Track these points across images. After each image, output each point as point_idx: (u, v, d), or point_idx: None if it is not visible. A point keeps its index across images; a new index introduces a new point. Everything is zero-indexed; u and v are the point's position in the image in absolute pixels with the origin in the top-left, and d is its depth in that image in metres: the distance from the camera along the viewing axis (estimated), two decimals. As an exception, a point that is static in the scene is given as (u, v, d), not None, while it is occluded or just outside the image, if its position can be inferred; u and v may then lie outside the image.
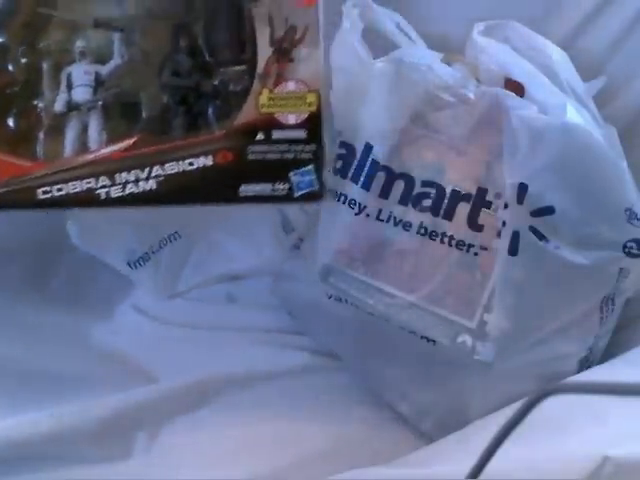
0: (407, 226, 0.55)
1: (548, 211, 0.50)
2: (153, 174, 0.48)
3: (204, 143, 0.48)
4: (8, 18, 0.49)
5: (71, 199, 0.48)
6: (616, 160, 0.52)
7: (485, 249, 0.53)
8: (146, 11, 0.50)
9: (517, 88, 0.53)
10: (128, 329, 0.66)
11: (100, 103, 0.50)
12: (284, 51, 0.48)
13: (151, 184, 0.48)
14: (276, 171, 0.48)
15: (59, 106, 0.50)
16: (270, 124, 0.48)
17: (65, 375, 0.59)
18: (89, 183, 0.48)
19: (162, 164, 0.48)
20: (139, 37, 0.50)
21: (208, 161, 0.48)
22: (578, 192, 0.51)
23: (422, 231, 0.54)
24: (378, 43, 0.57)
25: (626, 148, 0.54)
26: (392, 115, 0.55)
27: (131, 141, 0.48)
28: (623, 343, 0.58)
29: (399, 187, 0.55)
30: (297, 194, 0.49)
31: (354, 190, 0.55)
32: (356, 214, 0.55)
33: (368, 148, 0.55)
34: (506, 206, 0.52)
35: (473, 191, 0.53)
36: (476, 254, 0.53)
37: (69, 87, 0.50)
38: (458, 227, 0.53)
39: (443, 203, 0.54)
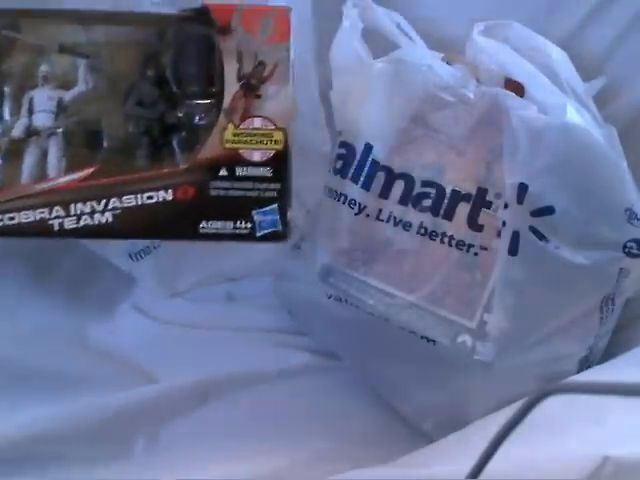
0: (407, 226, 0.55)
1: (548, 211, 0.50)
2: (110, 206, 0.47)
3: (165, 177, 0.47)
4: None
5: (23, 229, 0.47)
6: (616, 160, 0.52)
7: (485, 249, 0.53)
8: (114, 38, 0.49)
9: (517, 88, 0.53)
10: (128, 329, 0.66)
11: (61, 130, 0.49)
12: (252, 87, 0.47)
13: (107, 217, 0.47)
14: (238, 209, 0.47)
15: (18, 131, 0.48)
16: (234, 160, 0.47)
17: (65, 375, 0.59)
18: (42, 213, 0.47)
19: (120, 196, 0.47)
20: (105, 64, 0.49)
21: (168, 196, 0.47)
22: (578, 192, 0.51)
23: (422, 231, 0.54)
24: (378, 43, 0.57)
25: (626, 148, 0.54)
26: (392, 115, 0.55)
27: (89, 171, 0.47)
28: (623, 343, 0.58)
29: (399, 187, 0.55)
30: (259, 233, 0.48)
31: (354, 190, 0.55)
32: (356, 214, 0.55)
33: (368, 148, 0.55)
34: (506, 206, 0.52)
35: (473, 191, 0.53)
36: (476, 254, 0.53)
37: (30, 112, 0.49)
38: (458, 227, 0.53)
39: (443, 203, 0.54)
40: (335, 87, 0.56)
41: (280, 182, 0.47)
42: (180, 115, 0.49)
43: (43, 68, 0.49)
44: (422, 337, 0.54)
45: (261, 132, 0.47)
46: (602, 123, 0.55)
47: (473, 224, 0.53)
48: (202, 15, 0.48)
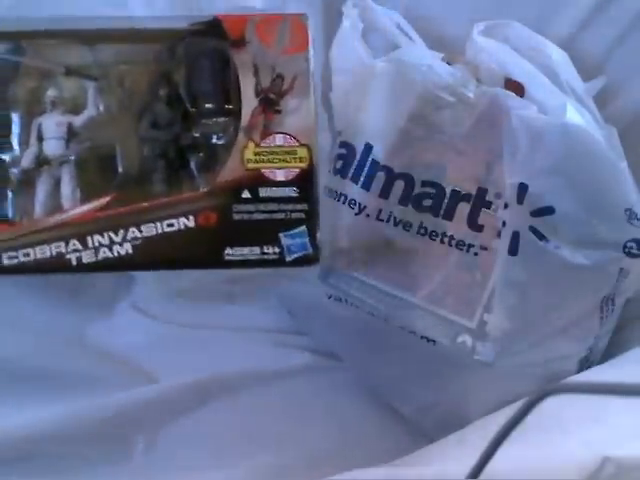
0: (407, 226, 0.55)
1: (548, 211, 0.50)
2: (129, 237, 0.44)
3: (185, 202, 0.44)
4: None
5: (39, 265, 0.44)
6: (616, 160, 0.52)
7: (485, 249, 0.53)
8: (122, 57, 0.47)
9: (517, 88, 0.53)
10: (128, 329, 0.66)
11: (73, 157, 0.46)
12: (271, 102, 0.45)
13: (126, 248, 0.44)
14: (265, 233, 0.45)
15: (28, 161, 0.46)
16: (257, 181, 0.44)
17: (65, 375, 0.59)
18: (59, 247, 0.44)
19: (139, 226, 0.44)
20: (115, 85, 0.47)
21: (189, 222, 0.44)
22: (578, 192, 0.51)
23: (422, 231, 0.54)
24: (378, 43, 0.57)
25: (626, 148, 0.54)
26: (392, 115, 0.55)
27: (105, 200, 0.45)
28: (623, 343, 0.58)
29: (399, 187, 0.55)
30: (289, 258, 0.45)
31: (354, 190, 0.55)
32: (356, 214, 0.55)
33: (368, 148, 0.55)
34: (506, 206, 0.52)
35: (473, 191, 0.53)
36: (476, 254, 0.53)
37: (39, 139, 0.46)
38: (458, 227, 0.53)
39: (443, 203, 0.54)
40: (335, 87, 0.56)
41: (307, 202, 0.45)
42: (197, 135, 0.47)
43: (50, 93, 0.46)
44: (422, 337, 0.54)
45: (284, 149, 0.45)
46: (602, 123, 0.55)
47: (473, 224, 0.53)
48: (214, 28, 0.46)
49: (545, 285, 0.52)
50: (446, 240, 0.54)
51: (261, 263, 0.45)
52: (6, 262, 0.44)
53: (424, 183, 0.55)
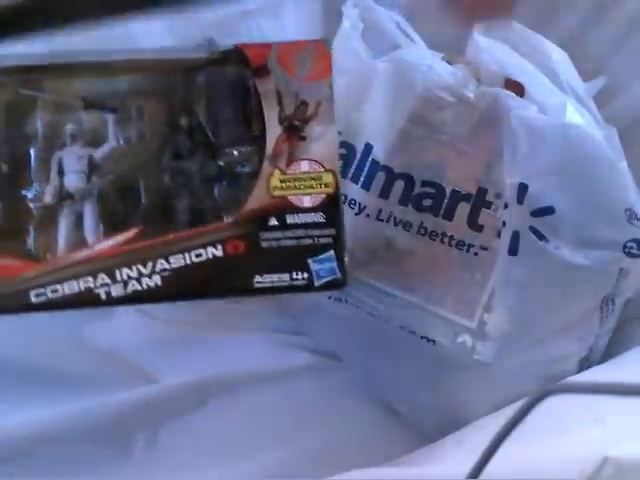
0: (407, 226, 0.55)
1: (548, 211, 0.50)
2: (157, 269, 0.44)
3: (212, 232, 0.44)
4: None
5: (68, 301, 0.43)
6: (616, 160, 0.52)
7: (485, 249, 0.53)
8: (142, 88, 0.46)
9: (517, 88, 0.53)
10: (128, 329, 0.66)
11: (95, 191, 0.46)
12: (295, 128, 0.45)
13: (155, 280, 0.43)
14: (293, 259, 0.44)
15: (49, 196, 0.45)
16: (284, 208, 0.44)
17: (65, 375, 0.59)
18: (87, 282, 0.43)
19: (166, 257, 0.44)
20: (135, 116, 0.46)
21: (218, 252, 0.44)
22: (578, 192, 0.51)
23: (422, 231, 0.54)
24: (378, 43, 0.57)
25: (626, 148, 0.54)
26: (392, 115, 0.55)
27: (131, 233, 0.44)
28: (623, 343, 0.58)
29: (399, 187, 0.55)
30: (318, 283, 0.45)
31: (354, 190, 0.55)
32: (356, 214, 0.55)
33: (368, 148, 0.55)
34: (506, 206, 0.52)
35: (473, 191, 0.53)
36: (476, 254, 0.53)
37: (60, 174, 0.45)
38: (458, 227, 0.53)
39: (443, 203, 0.54)
40: (335, 87, 0.56)
41: (334, 227, 0.45)
42: (221, 164, 0.46)
43: (70, 126, 0.46)
44: (422, 337, 0.54)
45: (310, 176, 0.45)
46: (602, 123, 0.55)
47: (473, 224, 0.53)
48: (235, 57, 0.46)
49: (545, 285, 0.52)
50: (446, 240, 0.54)
51: (290, 289, 0.45)
52: (34, 300, 0.43)
53: (424, 183, 0.55)
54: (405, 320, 0.54)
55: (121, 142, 0.46)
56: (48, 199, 0.45)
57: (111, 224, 0.45)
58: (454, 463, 0.44)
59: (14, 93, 0.46)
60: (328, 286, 0.45)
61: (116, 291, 0.44)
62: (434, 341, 0.54)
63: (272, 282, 0.44)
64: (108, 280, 0.44)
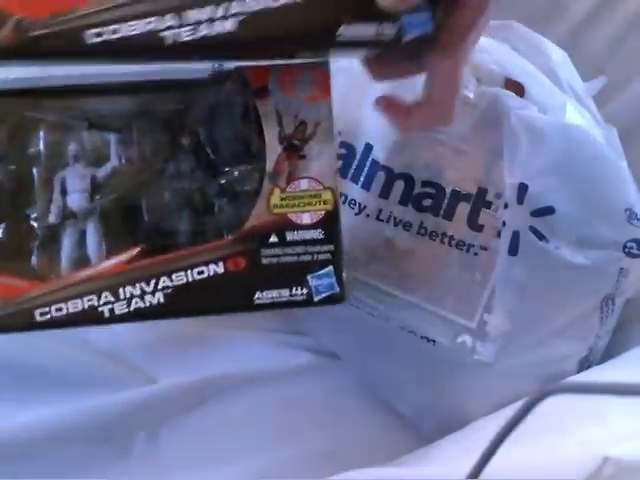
0: (407, 226, 0.55)
1: (548, 211, 0.50)
2: (160, 286, 0.44)
3: (213, 249, 0.45)
4: None
5: (72, 319, 0.44)
6: (616, 160, 0.52)
7: (485, 249, 0.53)
8: (143, 108, 0.47)
9: (517, 88, 0.53)
10: (128, 329, 0.66)
11: (98, 210, 0.46)
12: (295, 147, 0.45)
13: (158, 297, 0.44)
14: (292, 275, 0.45)
15: (53, 215, 0.46)
16: (284, 225, 0.45)
17: (65, 375, 0.59)
18: (91, 300, 0.44)
19: (169, 275, 0.44)
20: (137, 136, 0.47)
21: (219, 269, 0.45)
22: (578, 192, 0.51)
23: (422, 231, 0.54)
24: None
25: (626, 148, 0.54)
26: (392, 115, 0.55)
27: (133, 252, 0.45)
28: (623, 343, 0.58)
29: (399, 187, 0.55)
30: (317, 298, 0.46)
31: (354, 190, 0.55)
32: (356, 214, 0.55)
33: (368, 148, 0.55)
34: (506, 206, 0.52)
35: (473, 191, 0.53)
36: (476, 254, 0.53)
37: (63, 193, 0.46)
38: (458, 227, 0.53)
39: (443, 203, 0.54)
40: (335, 87, 0.56)
41: (332, 243, 0.46)
42: (221, 183, 0.47)
43: (72, 146, 0.46)
44: (422, 337, 0.54)
45: (309, 194, 0.45)
46: (602, 123, 0.56)
47: (473, 224, 0.53)
48: (235, 78, 0.46)
49: (545, 285, 0.52)
50: (446, 240, 0.54)
51: (290, 304, 0.46)
52: (39, 318, 0.44)
53: (424, 183, 0.55)
54: (405, 320, 0.54)
55: (123, 161, 0.47)
56: (51, 218, 0.46)
57: (114, 243, 0.46)
58: (454, 463, 0.44)
59: (19, 116, 0.46)
60: (327, 301, 0.46)
61: (119, 309, 0.44)
62: (434, 341, 0.54)
63: (272, 298, 0.45)
64: (112, 298, 0.44)
